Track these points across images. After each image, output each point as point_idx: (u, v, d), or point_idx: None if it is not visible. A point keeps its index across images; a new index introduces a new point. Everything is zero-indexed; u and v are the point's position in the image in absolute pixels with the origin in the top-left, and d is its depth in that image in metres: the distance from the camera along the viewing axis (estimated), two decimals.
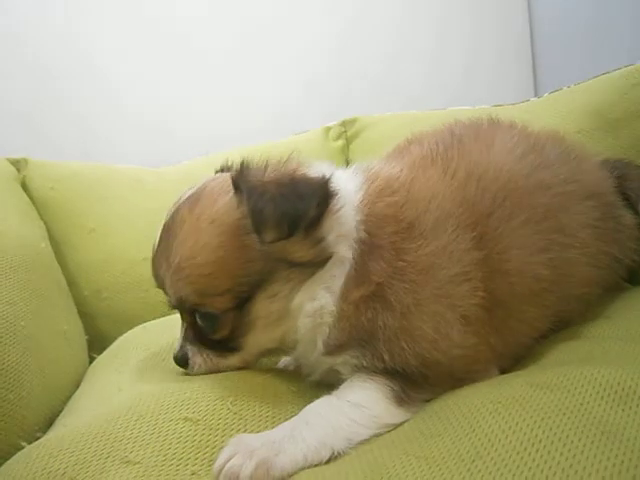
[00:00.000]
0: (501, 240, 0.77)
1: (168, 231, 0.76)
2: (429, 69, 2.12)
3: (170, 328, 1.14)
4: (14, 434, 0.82)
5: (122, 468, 0.63)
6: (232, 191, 0.73)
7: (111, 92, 1.91)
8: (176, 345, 0.81)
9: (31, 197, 1.39)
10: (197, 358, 0.78)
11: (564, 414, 0.59)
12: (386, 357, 0.70)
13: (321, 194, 0.69)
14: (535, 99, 1.46)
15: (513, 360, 0.81)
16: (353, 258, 0.72)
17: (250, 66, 2.01)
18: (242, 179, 0.71)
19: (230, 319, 0.73)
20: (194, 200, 0.75)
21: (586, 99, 1.27)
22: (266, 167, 0.72)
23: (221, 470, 0.59)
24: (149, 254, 1.36)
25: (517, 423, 0.59)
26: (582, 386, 0.63)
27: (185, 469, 0.63)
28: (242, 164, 0.74)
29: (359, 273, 0.72)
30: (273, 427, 0.69)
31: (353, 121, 1.76)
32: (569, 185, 0.85)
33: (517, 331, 0.79)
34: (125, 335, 1.18)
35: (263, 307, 0.72)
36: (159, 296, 1.36)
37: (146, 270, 1.34)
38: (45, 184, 1.41)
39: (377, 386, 0.70)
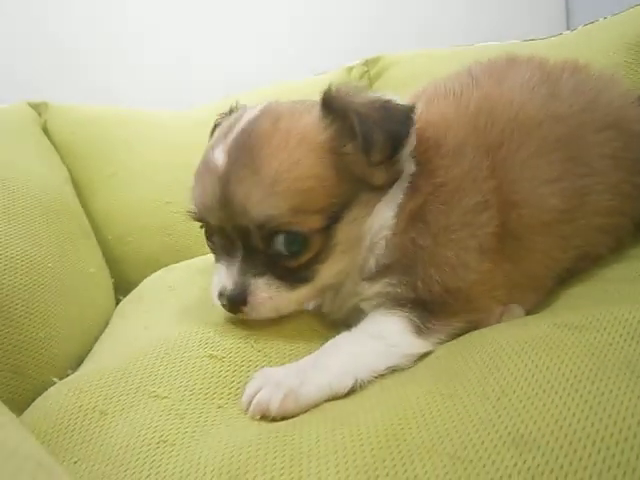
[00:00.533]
0: (511, 171, 0.78)
1: (245, 146, 0.70)
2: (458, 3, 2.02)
3: (194, 270, 1.17)
4: (46, 371, 0.84)
5: (150, 402, 0.65)
6: (314, 112, 0.72)
7: (128, 35, 1.87)
8: (225, 283, 0.72)
9: (52, 141, 1.38)
10: (262, 293, 0.71)
11: (592, 354, 0.58)
12: (419, 284, 0.72)
13: (412, 119, 0.72)
14: (568, 32, 1.38)
15: (535, 294, 0.82)
16: (411, 176, 0.75)
17: (266, 4, 1.93)
18: (337, 101, 0.71)
19: (317, 242, 0.70)
20: (274, 116, 0.72)
21: (622, 31, 1.19)
22: (355, 91, 0.73)
23: (250, 402, 0.61)
24: (171, 198, 1.38)
25: (544, 362, 0.58)
26: (612, 326, 0.62)
27: (212, 403, 0.65)
28: (331, 87, 0.73)
29: (412, 190, 0.75)
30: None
31: (376, 60, 1.68)
32: (584, 115, 0.84)
33: (533, 261, 0.80)
34: (149, 277, 1.19)
35: (344, 232, 0.72)
36: (183, 240, 1.40)
37: (169, 214, 1.38)
38: (66, 128, 1.40)
39: (396, 318, 0.72)
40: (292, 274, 0.71)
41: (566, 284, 0.85)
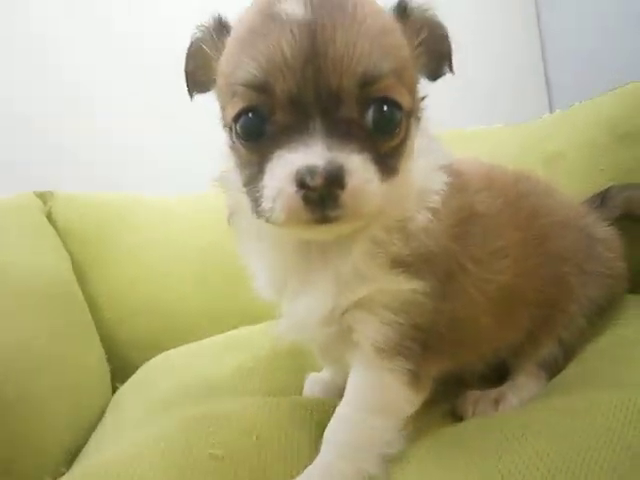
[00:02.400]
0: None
1: (340, 1, 0.58)
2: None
3: (194, 356, 1.18)
4: (39, 466, 0.83)
5: None
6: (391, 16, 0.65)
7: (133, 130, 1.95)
8: (311, 161, 0.53)
9: (56, 228, 1.41)
10: (360, 171, 0.54)
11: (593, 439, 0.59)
12: (446, 309, 0.67)
13: None
14: (548, 115, 1.45)
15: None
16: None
17: None
18: (415, 13, 0.66)
19: (404, 125, 0.60)
20: None
21: (597, 113, 1.25)
22: (422, 6, 0.67)
23: None
24: (174, 280, 1.40)
25: (544, 449, 0.59)
26: (609, 410, 0.63)
27: None
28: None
29: (456, 187, 0.72)
30: (298, 462, 0.69)
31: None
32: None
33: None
34: (148, 364, 1.20)
35: (412, 132, 0.64)
36: (182, 322, 1.41)
37: (170, 297, 1.40)
38: (70, 215, 1.43)
39: (395, 376, 0.67)
40: (383, 159, 0.58)
41: None
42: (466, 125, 1.61)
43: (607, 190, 1.09)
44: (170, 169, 1.94)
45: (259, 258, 0.74)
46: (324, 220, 0.54)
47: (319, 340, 0.73)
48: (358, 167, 0.54)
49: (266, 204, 0.56)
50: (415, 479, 0.63)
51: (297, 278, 0.69)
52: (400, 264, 0.65)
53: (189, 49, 0.71)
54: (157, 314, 1.38)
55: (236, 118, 0.59)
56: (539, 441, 0.61)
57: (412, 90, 0.63)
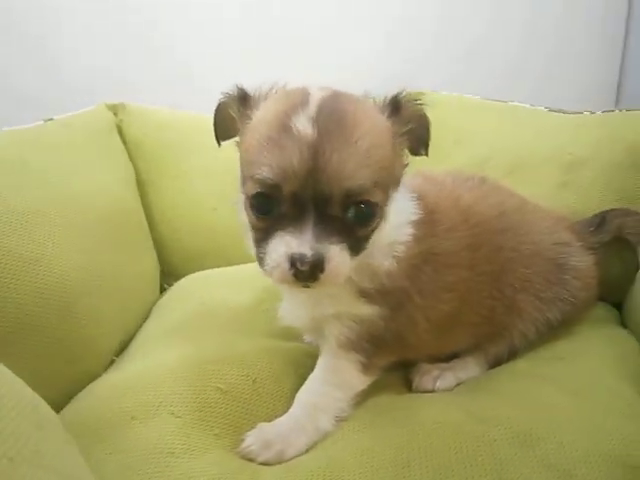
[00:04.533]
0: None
1: (336, 118, 0.74)
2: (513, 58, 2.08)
3: (228, 280, 1.39)
4: (94, 361, 1.08)
5: (168, 417, 0.87)
6: (379, 110, 0.83)
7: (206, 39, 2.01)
8: (301, 250, 0.71)
9: (124, 140, 1.59)
10: (338, 259, 0.74)
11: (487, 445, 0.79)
12: (392, 326, 0.88)
13: None
14: (588, 114, 1.44)
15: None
16: (416, 220, 0.90)
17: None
18: (409, 104, 0.83)
19: (380, 214, 0.79)
20: (351, 100, 0.80)
21: (624, 131, 1.29)
22: (411, 100, 0.84)
23: (244, 451, 0.84)
24: (218, 205, 1.57)
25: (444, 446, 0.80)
26: (497, 425, 0.81)
27: (211, 430, 0.86)
28: (399, 95, 0.84)
29: (418, 234, 0.89)
30: (282, 405, 0.92)
31: (419, 95, 1.77)
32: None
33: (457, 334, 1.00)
34: (186, 280, 1.45)
35: (386, 210, 0.81)
36: (225, 242, 1.60)
37: (215, 220, 1.58)
38: (139, 130, 1.60)
39: (350, 364, 0.90)
40: (357, 242, 0.77)
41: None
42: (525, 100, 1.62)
43: (604, 215, 1.19)
44: None
45: None
46: (305, 286, 0.76)
47: (303, 330, 1.00)
48: (335, 255, 0.74)
49: (267, 268, 0.76)
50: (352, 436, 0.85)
51: (291, 292, 0.93)
52: (363, 295, 0.87)
53: (216, 110, 0.90)
54: (202, 233, 1.58)
55: (252, 196, 0.77)
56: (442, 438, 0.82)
57: (390, 183, 0.81)
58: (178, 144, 1.62)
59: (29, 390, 0.64)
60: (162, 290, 1.51)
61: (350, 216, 0.75)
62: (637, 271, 1.19)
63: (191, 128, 1.65)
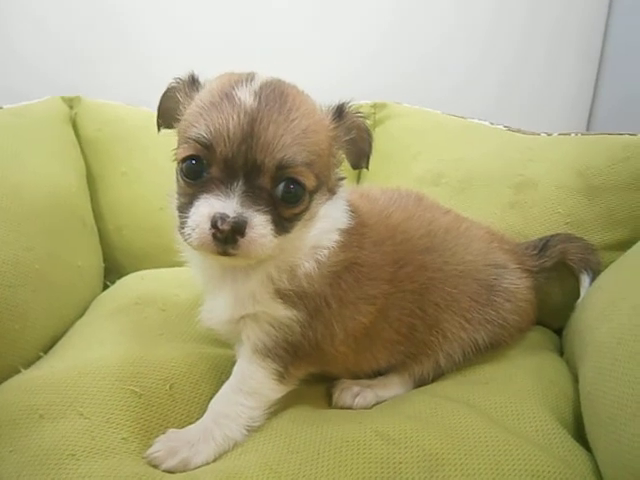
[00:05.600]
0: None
1: (278, 95, 0.78)
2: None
3: (168, 281, 1.37)
4: (17, 356, 1.05)
5: (76, 418, 0.86)
6: (321, 111, 0.85)
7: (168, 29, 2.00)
8: (225, 211, 0.72)
9: (78, 134, 1.57)
10: (261, 229, 0.74)
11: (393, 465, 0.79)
12: (309, 333, 0.88)
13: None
14: (545, 135, 1.47)
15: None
16: (346, 228, 0.91)
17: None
18: (350, 114, 0.87)
19: (306, 200, 0.80)
20: (296, 88, 0.84)
21: (577, 155, 1.30)
22: (356, 112, 0.89)
23: (150, 456, 0.83)
24: (165, 205, 1.55)
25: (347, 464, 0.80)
26: (406, 447, 0.82)
27: (118, 433, 0.85)
28: (345, 104, 0.87)
29: (346, 242, 0.90)
30: (198, 412, 0.91)
31: (383, 106, 1.79)
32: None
33: (375, 347, 0.99)
34: (126, 279, 1.42)
35: (314, 205, 0.83)
36: (169, 242, 1.57)
37: (161, 219, 1.56)
38: (92, 124, 1.58)
39: (263, 371, 0.89)
40: (280, 221, 0.77)
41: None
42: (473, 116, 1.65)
43: (548, 239, 1.20)
44: None
45: (194, 262, 0.96)
46: (225, 253, 0.75)
47: (222, 332, 0.96)
48: (258, 223, 0.74)
49: (187, 230, 0.76)
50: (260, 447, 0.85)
51: (212, 288, 0.92)
52: (282, 296, 0.86)
53: (164, 93, 0.91)
54: (149, 231, 1.56)
55: (183, 160, 0.78)
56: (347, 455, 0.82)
57: (321, 175, 0.81)
58: (130, 139, 1.60)
59: None
60: (105, 287, 1.48)
61: (278, 192, 0.76)
62: (577, 298, 1.19)
63: (145, 124, 1.60)
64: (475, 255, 1.05)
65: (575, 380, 1.02)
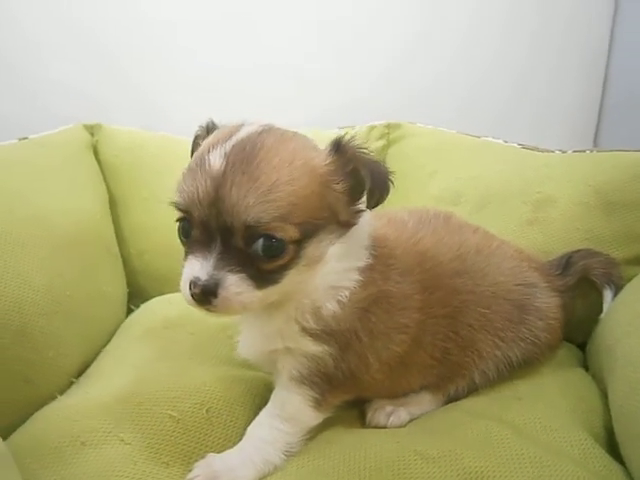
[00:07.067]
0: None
1: (246, 154, 0.78)
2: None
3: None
4: (52, 382, 1.07)
5: (117, 445, 0.87)
6: (320, 148, 0.85)
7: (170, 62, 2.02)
8: (198, 274, 0.76)
9: (99, 160, 1.60)
10: (233, 287, 0.77)
11: None
12: (342, 365, 0.89)
13: (391, 182, 0.85)
14: (559, 153, 1.47)
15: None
16: (368, 261, 0.91)
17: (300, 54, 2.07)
18: (348, 149, 0.83)
19: (290, 250, 0.79)
20: (283, 136, 0.83)
21: (592, 172, 1.32)
22: (360, 145, 0.85)
23: None
24: None
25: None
26: (446, 466, 0.83)
27: (159, 458, 0.86)
28: (343, 137, 0.85)
29: (369, 276, 0.89)
30: (235, 435, 0.93)
31: (397, 126, 1.81)
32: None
33: (410, 375, 1.01)
34: (151, 302, 1.44)
35: (312, 249, 0.82)
36: None
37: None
38: (112, 151, 1.61)
39: (301, 399, 0.90)
40: (263, 275, 0.79)
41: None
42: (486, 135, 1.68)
43: (570, 256, 1.20)
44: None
45: None
46: (207, 310, 0.79)
47: (259, 363, 0.99)
48: (230, 283, 0.77)
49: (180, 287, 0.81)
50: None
51: (243, 322, 0.97)
52: (309, 333, 0.87)
53: (193, 140, 0.96)
54: (168, 254, 1.55)
55: (177, 220, 0.84)
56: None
57: (312, 219, 0.81)
58: (150, 165, 1.62)
59: None
60: (129, 312, 1.50)
61: (258, 248, 0.77)
62: (600, 312, 1.20)
63: (163, 149, 1.66)
64: (507, 275, 1.06)
65: (603, 395, 1.03)
